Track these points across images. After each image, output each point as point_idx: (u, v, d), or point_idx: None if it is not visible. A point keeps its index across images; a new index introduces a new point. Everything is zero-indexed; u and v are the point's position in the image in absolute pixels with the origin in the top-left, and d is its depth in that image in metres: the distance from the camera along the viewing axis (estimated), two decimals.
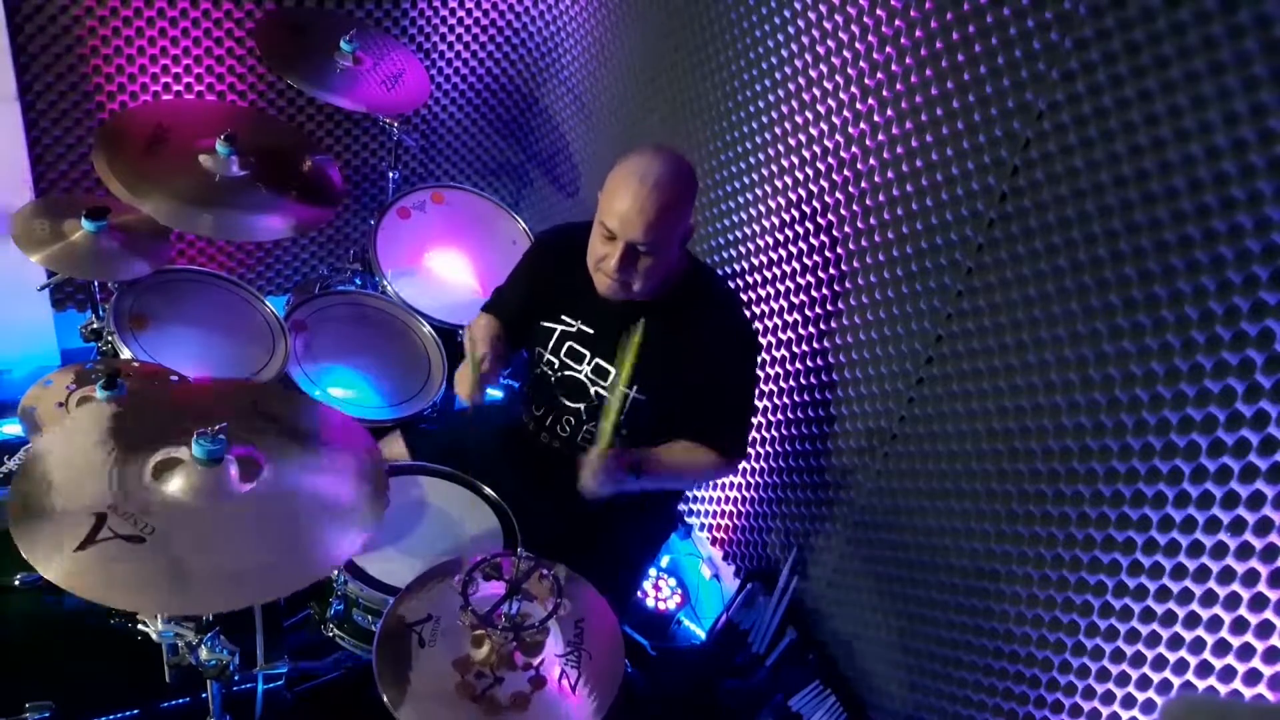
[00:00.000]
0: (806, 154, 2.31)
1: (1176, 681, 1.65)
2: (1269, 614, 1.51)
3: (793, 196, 2.38)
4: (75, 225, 2.26)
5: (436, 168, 3.52)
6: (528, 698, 1.59)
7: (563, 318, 2.17)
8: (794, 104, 2.32)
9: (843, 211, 2.24)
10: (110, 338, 2.30)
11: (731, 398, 2.18)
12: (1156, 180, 1.58)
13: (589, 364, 2.15)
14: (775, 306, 2.50)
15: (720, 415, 2.17)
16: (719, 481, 2.82)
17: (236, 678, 1.75)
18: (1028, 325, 1.83)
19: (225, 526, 1.56)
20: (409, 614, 1.68)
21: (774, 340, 2.52)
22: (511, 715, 1.56)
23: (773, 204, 2.45)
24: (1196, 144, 1.51)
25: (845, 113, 2.18)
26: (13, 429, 2.64)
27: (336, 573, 1.90)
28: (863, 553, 2.31)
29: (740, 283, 2.60)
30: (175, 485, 1.56)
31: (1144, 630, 1.68)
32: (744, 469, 2.70)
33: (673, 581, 2.85)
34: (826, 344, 2.35)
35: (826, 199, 2.28)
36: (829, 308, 2.33)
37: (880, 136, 2.10)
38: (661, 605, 2.80)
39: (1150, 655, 1.68)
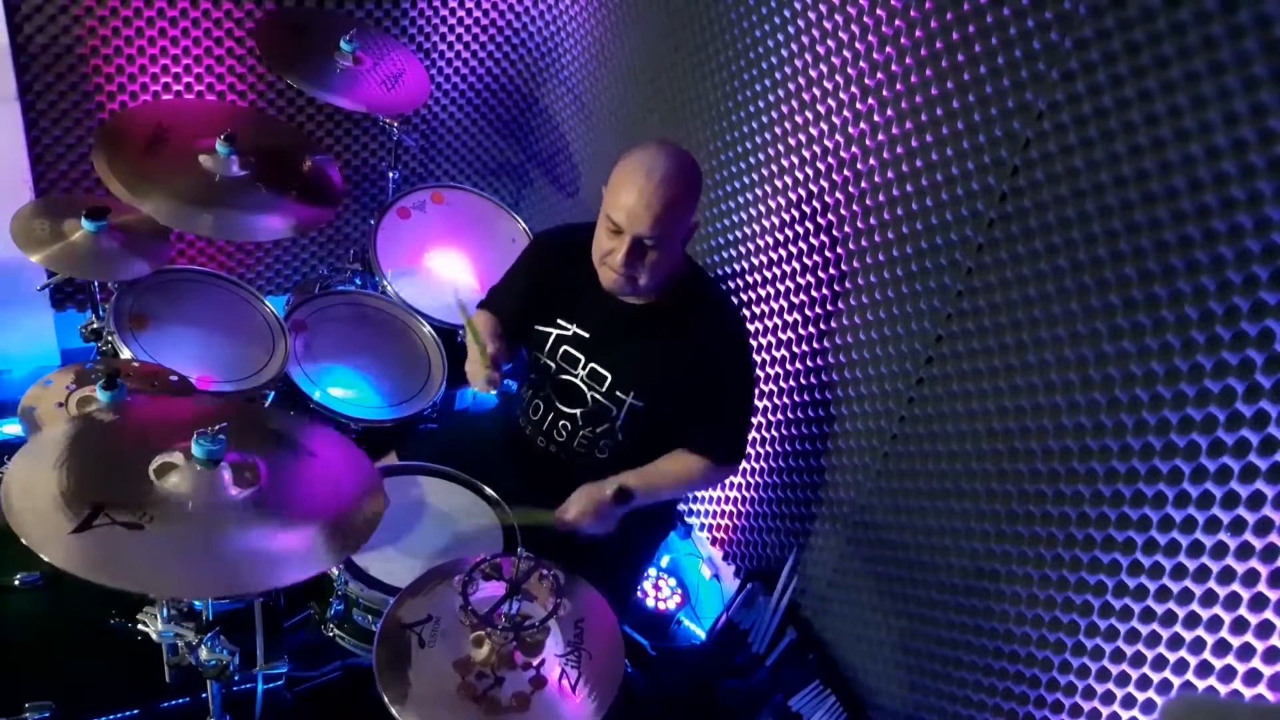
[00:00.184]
0: (806, 154, 2.31)
1: (1176, 681, 1.65)
2: (1269, 614, 1.51)
3: (793, 196, 2.38)
4: (75, 225, 2.26)
5: (436, 168, 3.52)
6: (528, 698, 1.59)
7: (559, 321, 2.16)
8: (794, 104, 2.32)
9: (843, 211, 2.24)
10: (110, 338, 2.30)
11: (729, 402, 2.18)
12: (1156, 180, 1.58)
13: (584, 368, 2.15)
14: (775, 306, 2.50)
15: (717, 421, 2.17)
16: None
17: (236, 678, 1.75)
18: (1028, 325, 1.83)
19: (220, 527, 1.56)
20: (409, 614, 1.68)
21: (774, 340, 2.52)
22: (512, 716, 1.56)
23: (773, 204, 2.45)
24: (1196, 144, 1.51)
25: (845, 113, 2.18)
26: (13, 429, 2.64)
27: (337, 573, 1.90)
28: (863, 553, 2.31)
29: (740, 283, 2.60)
30: (172, 483, 1.56)
31: (1144, 630, 1.68)
32: (744, 469, 2.70)
33: (673, 581, 2.85)
34: (826, 344, 2.35)
35: (826, 199, 2.28)
36: (829, 308, 2.33)
37: (880, 136, 2.10)
38: (661, 605, 2.80)
39: (1150, 655, 1.68)
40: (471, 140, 3.52)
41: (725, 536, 2.85)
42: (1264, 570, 1.51)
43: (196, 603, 1.70)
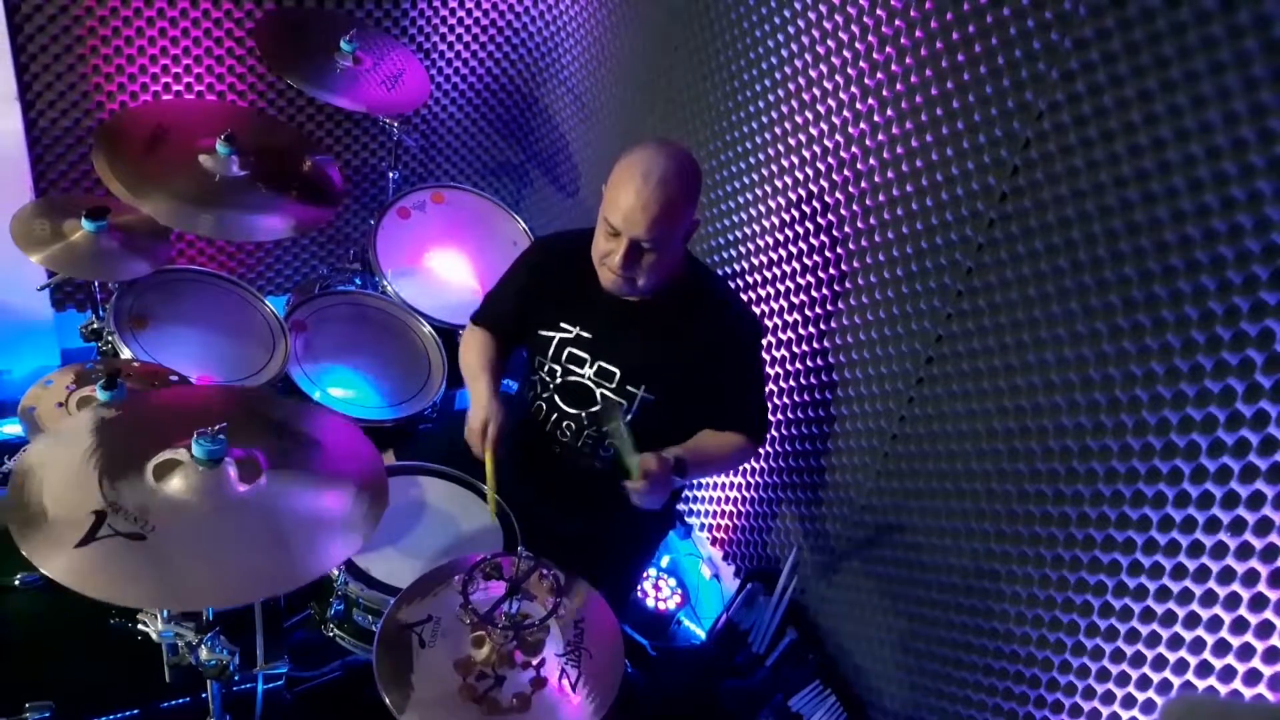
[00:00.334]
0: (806, 154, 2.31)
1: (1176, 681, 1.65)
2: (1269, 614, 1.51)
3: (793, 196, 2.38)
4: (75, 225, 2.26)
5: (436, 168, 3.52)
6: (528, 698, 1.59)
7: (561, 324, 2.16)
8: (794, 104, 2.32)
9: (843, 211, 2.24)
10: (110, 338, 2.30)
11: (748, 386, 2.20)
12: (1156, 180, 1.58)
13: (591, 367, 2.15)
14: (775, 306, 2.50)
15: (741, 403, 2.19)
16: (719, 481, 2.82)
17: (236, 678, 1.75)
18: (1028, 325, 1.83)
19: (224, 527, 1.56)
20: (409, 615, 1.68)
21: (774, 340, 2.52)
22: (512, 716, 1.56)
23: (773, 204, 2.45)
24: (1196, 144, 1.51)
25: (845, 113, 2.18)
26: (13, 429, 2.64)
27: (337, 573, 1.90)
28: (863, 553, 2.31)
29: (740, 283, 2.60)
30: (175, 486, 1.56)
31: (1144, 630, 1.68)
32: (744, 468, 2.70)
33: (673, 581, 2.85)
34: (826, 344, 2.35)
35: (826, 199, 2.28)
36: (829, 308, 2.33)
37: (880, 136, 2.10)
38: (661, 605, 2.80)
39: (1150, 655, 1.68)
40: (471, 140, 3.52)
41: (725, 536, 2.85)
42: (1264, 570, 1.51)
43: None
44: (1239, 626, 1.55)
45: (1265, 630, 1.52)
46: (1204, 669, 1.60)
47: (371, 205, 3.34)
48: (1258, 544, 1.51)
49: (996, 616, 1.95)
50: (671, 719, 2.51)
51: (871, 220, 2.16)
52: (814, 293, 2.37)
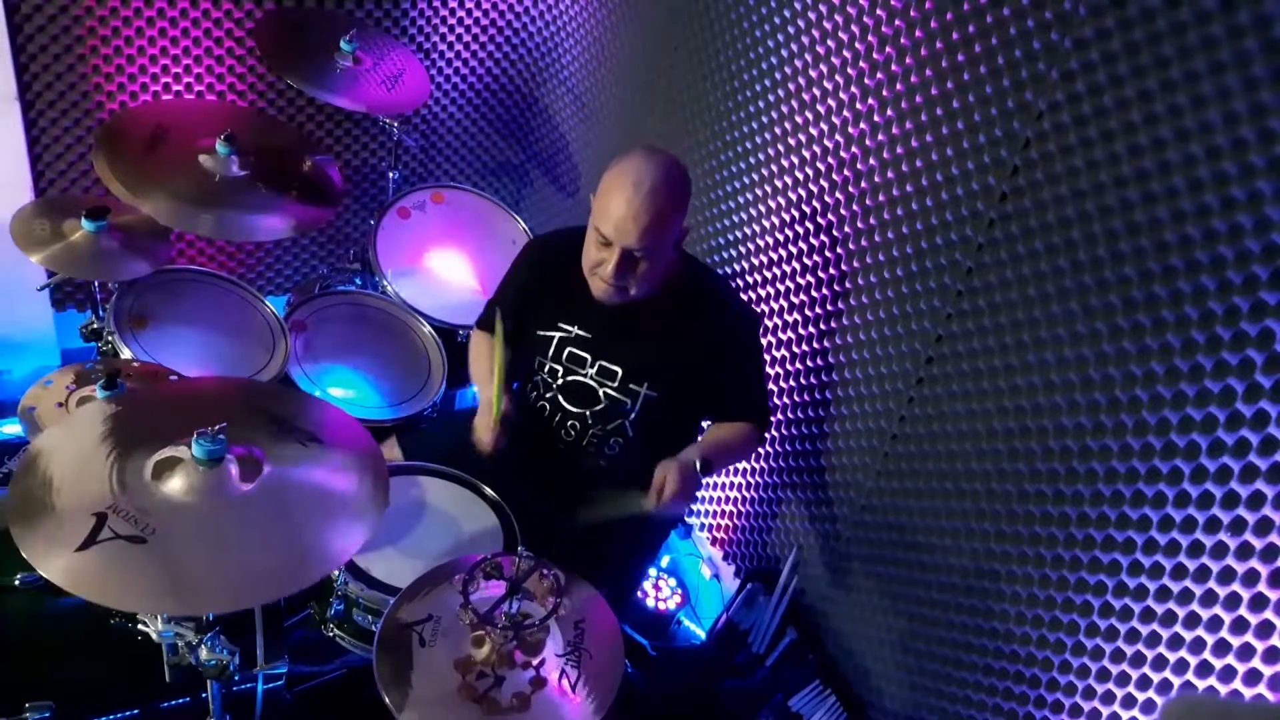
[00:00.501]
0: (806, 154, 2.31)
1: (1176, 681, 1.65)
2: (1269, 614, 1.51)
3: (793, 196, 2.38)
4: (75, 225, 2.26)
5: (436, 168, 3.52)
6: (528, 698, 1.59)
7: (559, 324, 2.16)
8: (794, 104, 2.32)
9: (843, 211, 2.24)
10: (110, 338, 2.30)
11: (750, 377, 2.22)
12: (1156, 180, 1.58)
13: (592, 367, 2.15)
14: (775, 306, 2.50)
15: (745, 395, 2.22)
16: (719, 481, 2.82)
17: (236, 678, 1.75)
18: (1028, 325, 1.83)
19: (226, 526, 1.56)
20: (409, 614, 1.68)
21: (774, 340, 2.52)
22: (512, 715, 1.56)
23: (773, 204, 2.45)
24: (1196, 144, 1.51)
25: (845, 113, 2.18)
26: (13, 429, 2.64)
27: (337, 573, 1.90)
28: (863, 553, 2.31)
29: (740, 283, 2.60)
30: (175, 485, 1.56)
31: (1144, 630, 1.68)
32: (744, 469, 2.70)
33: (673, 581, 2.85)
34: (826, 344, 2.35)
35: (826, 199, 2.28)
36: (829, 308, 2.33)
37: (880, 136, 2.10)
38: (661, 605, 2.80)
39: (1150, 655, 1.68)
40: (471, 140, 3.52)
41: (725, 536, 2.85)
42: (1264, 570, 1.51)
43: None
44: (1239, 626, 1.55)
45: (1265, 630, 1.51)
46: (1204, 669, 1.60)
47: (371, 205, 3.34)
48: (1258, 544, 1.51)
49: (996, 616, 1.95)
50: (671, 719, 2.51)
51: (871, 220, 2.16)
52: (814, 293, 2.37)
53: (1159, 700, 1.68)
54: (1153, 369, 1.62)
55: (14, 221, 2.26)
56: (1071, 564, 1.79)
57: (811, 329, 2.39)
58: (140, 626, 1.74)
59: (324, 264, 3.42)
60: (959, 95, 1.90)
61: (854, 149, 2.18)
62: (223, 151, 2.38)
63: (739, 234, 2.58)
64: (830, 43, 2.19)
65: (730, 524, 2.82)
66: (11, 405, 2.08)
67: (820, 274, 2.34)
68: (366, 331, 2.70)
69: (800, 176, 2.35)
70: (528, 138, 3.55)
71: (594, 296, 2.05)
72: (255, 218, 2.41)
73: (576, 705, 1.61)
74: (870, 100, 2.11)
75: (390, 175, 3.01)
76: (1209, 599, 1.58)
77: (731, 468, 2.73)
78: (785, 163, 2.38)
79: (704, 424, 2.33)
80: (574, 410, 2.18)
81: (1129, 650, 1.71)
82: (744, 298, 2.58)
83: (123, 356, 2.25)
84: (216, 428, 1.57)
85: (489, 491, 2.14)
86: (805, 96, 2.28)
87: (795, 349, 2.46)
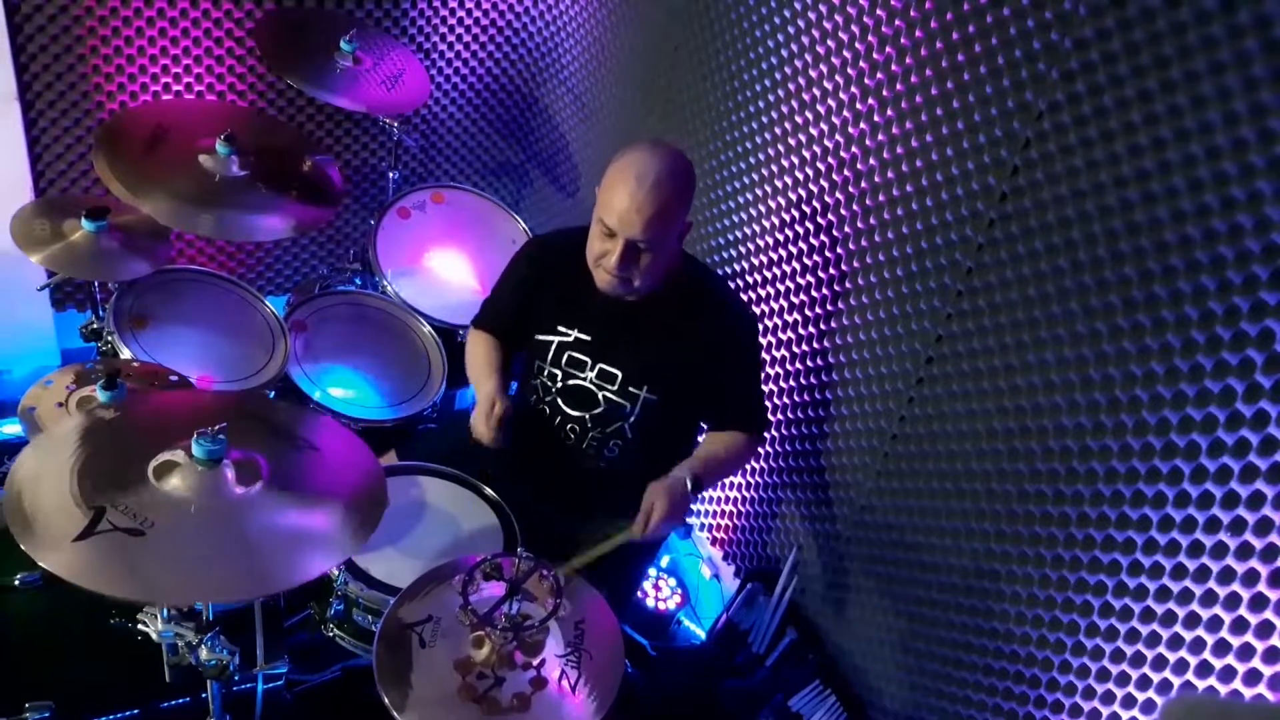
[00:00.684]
0: (806, 154, 2.31)
1: (1176, 681, 1.65)
2: (1269, 614, 1.51)
3: (793, 196, 2.38)
4: (75, 225, 2.26)
5: (436, 168, 3.52)
6: (528, 698, 1.59)
7: (559, 328, 2.16)
8: (794, 104, 2.32)
9: (843, 211, 2.24)
10: (110, 338, 2.30)
11: (748, 383, 2.21)
12: (1156, 180, 1.58)
13: (592, 370, 2.14)
14: (775, 306, 2.50)
15: (742, 401, 2.21)
16: (719, 481, 2.82)
17: (236, 678, 1.75)
18: (1028, 325, 1.83)
19: (221, 526, 1.56)
20: (409, 614, 1.68)
21: (774, 340, 2.52)
22: (512, 716, 1.56)
23: (773, 204, 2.45)
24: (1196, 144, 1.51)
25: (845, 113, 2.18)
26: (13, 429, 2.64)
27: (337, 573, 1.90)
28: (863, 553, 2.31)
29: (740, 283, 2.60)
30: (173, 484, 1.56)
31: (1144, 630, 1.68)
32: (744, 469, 2.70)
33: (673, 581, 2.85)
34: (826, 344, 2.35)
35: (826, 199, 2.28)
36: (829, 308, 2.33)
37: (880, 136, 2.10)
38: (661, 605, 2.80)
39: (1150, 655, 1.68)
40: (471, 140, 3.52)
41: (725, 536, 2.85)
42: (1264, 570, 1.51)
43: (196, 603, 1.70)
44: (1239, 626, 1.55)
45: (1265, 630, 1.51)
46: (1204, 669, 1.60)
47: (371, 205, 3.34)
48: (1258, 544, 1.51)
49: (996, 616, 1.95)
50: (671, 719, 2.51)
51: (871, 220, 2.16)
52: (814, 293, 2.37)
53: (1159, 700, 1.68)
54: (1153, 369, 1.62)
55: (14, 221, 2.26)
56: (1071, 564, 1.79)
57: (811, 329, 2.39)
58: (140, 626, 1.74)
59: (324, 264, 3.42)
60: (959, 95, 1.90)
61: (854, 149, 2.18)
62: (223, 151, 2.38)
63: (739, 234, 2.58)
64: (830, 43, 2.19)
65: (730, 524, 2.82)
66: (11, 405, 2.08)
67: (820, 274, 2.34)
68: (366, 331, 2.70)
69: (800, 176, 2.35)
70: (528, 138, 3.55)
71: (596, 293, 2.05)
72: (255, 218, 2.41)
73: (577, 705, 1.61)
74: (870, 100, 2.11)
75: (390, 175, 3.01)
76: (1209, 599, 1.58)
77: None
78: (785, 163, 2.38)
79: (704, 425, 2.32)
80: (574, 413, 2.18)
81: (1129, 650, 1.71)
82: (744, 299, 2.58)
83: (123, 356, 2.25)
84: (216, 428, 1.57)
85: (489, 491, 2.14)
86: (805, 96, 2.28)
87: (795, 349, 2.46)
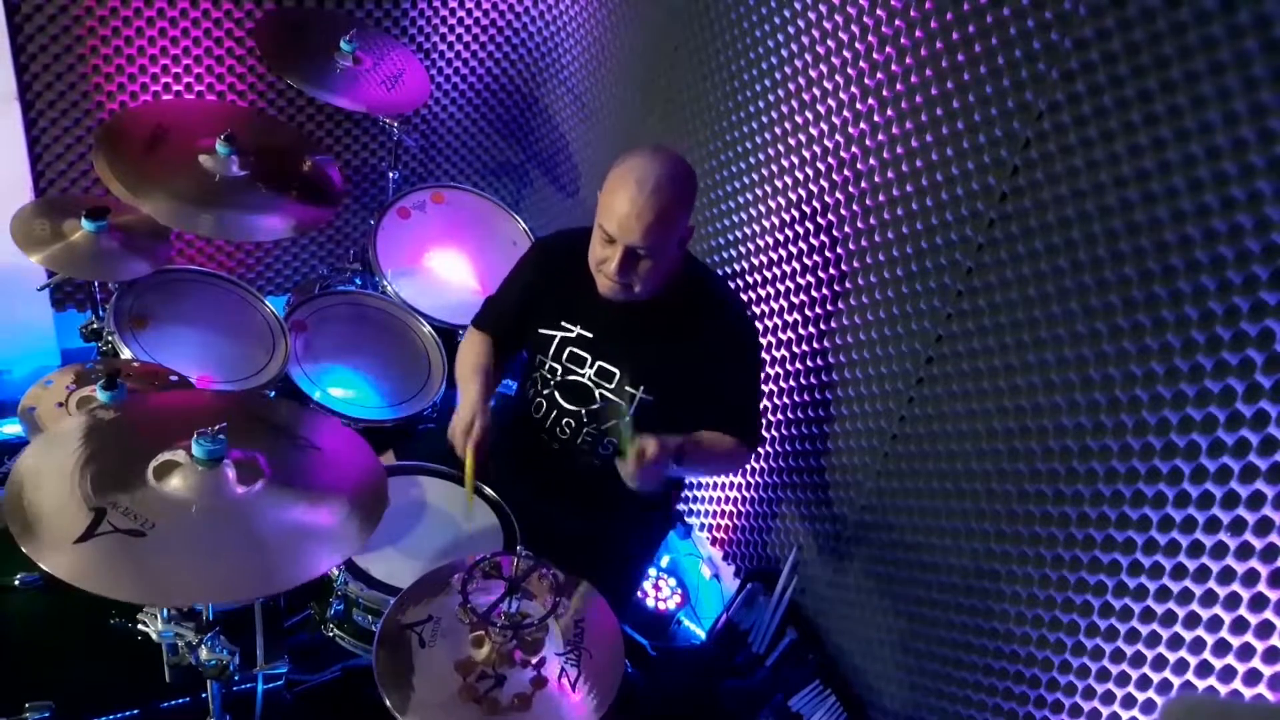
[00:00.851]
0: (806, 154, 2.31)
1: (1176, 681, 1.65)
2: (1269, 614, 1.51)
3: (793, 196, 2.38)
4: (75, 225, 2.26)
5: (436, 168, 3.52)
6: (529, 697, 1.59)
7: (562, 324, 2.16)
8: (794, 104, 2.32)
9: (843, 211, 2.24)
10: (110, 338, 2.30)
11: (744, 391, 2.20)
12: (1156, 180, 1.58)
13: (591, 367, 2.15)
14: (775, 306, 2.50)
15: (737, 409, 2.19)
16: (719, 481, 2.82)
17: (236, 678, 1.75)
18: (1028, 325, 1.83)
19: (222, 527, 1.56)
20: (409, 615, 1.68)
21: (774, 340, 2.52)
22: (513, 715, 1.56)
23: (773, 204, 2.45)
24: (1196, 144, 1.51)
25: (845, 113, 2.18)
26: (13, 429, 2.64)
27: (337, 573, 1.90)
28: (863, 552, 2.31)
29: (740, 283, 2.60)
30: (174, 485, 1.56)
31: (1144, 630, 1.68)
32: (744, 468, 2.70)
33: (673, 581, 2.85)
34: (826, 344, 2.35)
35: (826, 199, 2.28)
36: (829, 308, 2.33)
37: (880, 136, 2.10)
38: (661, 605, 2.80)
39: (1150, 655, 1.68)
40: (471, 140, 3.52)
41: (725, 536, 2.85)
42: (1264, 570, 1.51)
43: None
44: (1239, 626, 1.55)
45: (1265, 630, 1.51)
46: (1204, 669, 1.60)
47: (371, 205, 3.34)
48: (1258, 544, 1.51)
49: (996, 616, 1.95)
50: (671, 719, 2.51)
51: (871, 220, 2.16)
52: (814, 293, 2.37)
53: (1159, 700, 1.68)
54: (1153, 369, 1.62)
55: (14, 221, 2.26)
56: (1071, 564, 1.79)
57: (811, 329, 2.39)
58: (140, 626, 1.74)
59: (324, 264, 3.42)
60: (959, 95, 1.91)
61: (854, 149, 2.18)
62: (223, 151, 2.38)
63: (739, 234, 2.58)
64: (830, 43, 2.19)
65: (730, 524, 2.82)
66: (11, 405, 2.08)
67: (820, 274, 2.34)
68: (366, 331, 2.70)
69: (800, 176, 2.35)
70: (528, 138, 3.55)
71: (599, 296, 2.06)
72: (255, 218, 2.41)
73: (577, 705, 1.61)
74: (870, 100, 2.11)
75: (390, 175, 3.01)
76: (1209, 599, 1.58)
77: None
78: (785, 163, 2.38)
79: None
80: (570, 408, 2.18)
81: (1129, 650, 1.71)
82: (748, 308, 2.58)
83: (123, 356, 2.25)
84: (216, 428, 1.57)
85: (489, 491, 2.14)
86: (805, 96, 2.28)
87: (795, 349, 2.46)
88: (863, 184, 2.17)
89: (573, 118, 3.27)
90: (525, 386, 2.29)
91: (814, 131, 2.28)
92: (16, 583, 1.91)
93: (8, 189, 2.78)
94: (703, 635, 2.74)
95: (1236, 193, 1.48)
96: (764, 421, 2.56)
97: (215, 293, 2.55)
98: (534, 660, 1.63)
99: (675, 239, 1.99)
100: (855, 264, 2.22)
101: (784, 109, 2.35)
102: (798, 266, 2.41)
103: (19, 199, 2.62)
